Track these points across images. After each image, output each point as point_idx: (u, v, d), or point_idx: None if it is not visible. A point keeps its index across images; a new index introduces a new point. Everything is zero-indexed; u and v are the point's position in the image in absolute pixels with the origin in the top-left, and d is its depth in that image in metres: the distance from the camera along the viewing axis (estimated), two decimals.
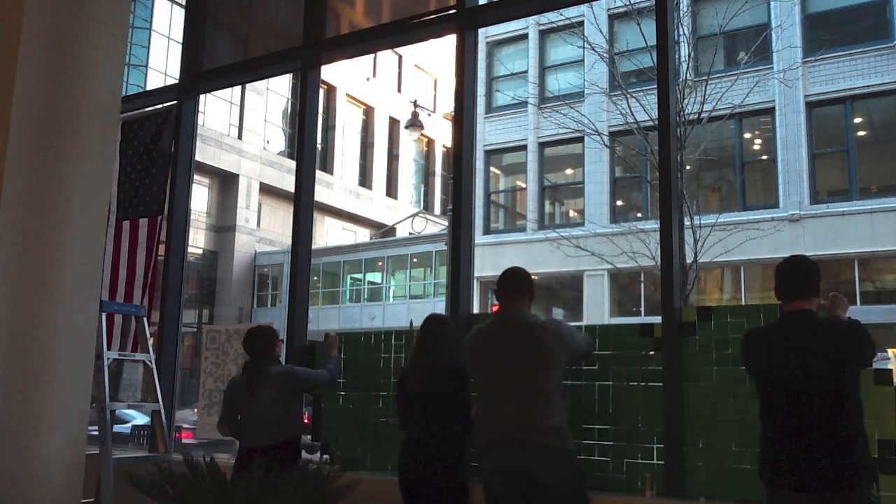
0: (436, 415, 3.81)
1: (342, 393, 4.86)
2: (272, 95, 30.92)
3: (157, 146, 5.86)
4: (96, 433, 4.70)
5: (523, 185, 20.61)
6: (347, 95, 32.35)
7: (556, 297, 20.77)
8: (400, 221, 31.87)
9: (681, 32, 12.36)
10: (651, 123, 11.69)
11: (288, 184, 27.18)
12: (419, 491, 3.82)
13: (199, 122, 6.72)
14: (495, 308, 4.36)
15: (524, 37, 20.66)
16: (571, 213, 20.61)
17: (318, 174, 7.32)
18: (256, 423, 4.34)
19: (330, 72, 28.35)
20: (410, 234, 29.24)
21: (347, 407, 4.82)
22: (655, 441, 3.81)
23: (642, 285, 16.95)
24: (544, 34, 20.30)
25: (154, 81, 25.70)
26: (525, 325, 3.46)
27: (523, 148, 20.60)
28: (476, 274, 4.66)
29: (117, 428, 13.92)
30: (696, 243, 12.20)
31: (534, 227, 19.73)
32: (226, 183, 29.28)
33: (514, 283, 3.66)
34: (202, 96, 6.36)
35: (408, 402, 3.95)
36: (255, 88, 29.37)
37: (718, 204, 17.09)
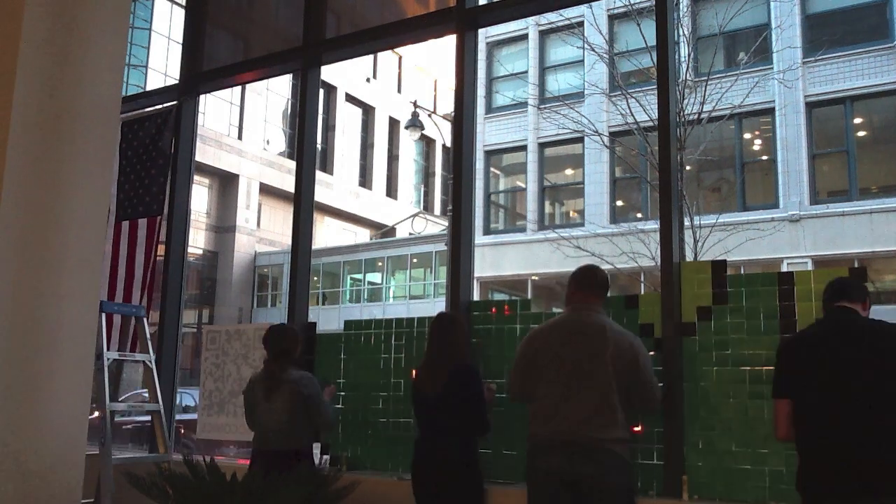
0: (452, 417, 3.80)
1: (342, 393, 4.86)
2: (272, 95, 30.93)
3: (157, 146, 5.86)
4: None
5: (523, 186, 20.61)
6: (347, 95, 32.36)
7: (557, 297, 20.77)
8: (400, 222, 31.87)
9: (681, 33, 12.35)
10: (651, 124, 11.68)
11: (288, 184, 27.18)
12: (434, 492, 3.81)
13: (199, 122, 6.71)
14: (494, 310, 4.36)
15: (524, 37, 20.65)
16: (571, 214, 20.60)
17: (318, 174, 7.32)
18: (265, 427, 4.28)
19: (330, 72, 28.34)
20: (410, 234, 29.24)
21: (347, 407, 4.82)
22: (655, 441, 3.81)
23: (642, 285, 16.95)
24: (544, 35, 20.29)
25: (154, 81, 25.71)
26: (600, 327, 3.39)
27: (523, 148, 20.59)
28: (476, 274, 4.66)
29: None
30: (696, 244, 12.20)
31: (534, 227, 19.73)
32: (226, 183, 29.28)
33: (587, 279, 3.56)
34: (202, 97, 6.35)
35: (422, 404, 3.92)
36: (255, 89, 29.36)
37: (718, 204, 17.08)
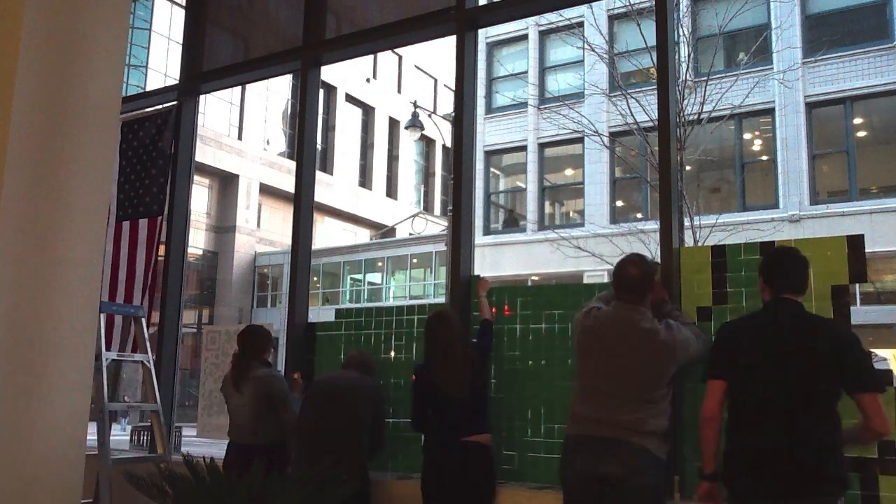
0: (474, 416, 3.84)
1: None
2: (272, 95, 30.95)
3: (157, 147, 5.86)
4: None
5: (523, 186, 20.62)
6: (347, 95, 32.37)
7: None
8: (400, 222, 31.89)
9: (681, 33, 12.36)
10: (651, 124, 11.69)
11: (288, 184, 27.21)
12: (455, 489, 3.80)
13: (199, 122, 6.71)
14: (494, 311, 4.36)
15: (524, 37, 20.67)
16: (571, 214, 20.62)
17: (318, 174, 7.32)
18: (235, 420, 4.49)
19: (330, 72, 28.36)
20: (410, 234, 29.26)
21: None
22: None
23: None
24: (544, 35, 20.31)
25: (154, 82, 25.73)
26: (641, 330, 3.28)
27: (523, 148, 20.61)
28: (476, 274, 4.66)
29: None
30: (696, 244, 12.20)
31: (534, 227, 19.74)
32: (226, 183, 29.31)
33: (634, 282, 3.33)
34: (202, 97, 6.35)
35: (442, 404, 3.88)
36: (255, 89, 29.39)
37: (718, 204, 17.10)
